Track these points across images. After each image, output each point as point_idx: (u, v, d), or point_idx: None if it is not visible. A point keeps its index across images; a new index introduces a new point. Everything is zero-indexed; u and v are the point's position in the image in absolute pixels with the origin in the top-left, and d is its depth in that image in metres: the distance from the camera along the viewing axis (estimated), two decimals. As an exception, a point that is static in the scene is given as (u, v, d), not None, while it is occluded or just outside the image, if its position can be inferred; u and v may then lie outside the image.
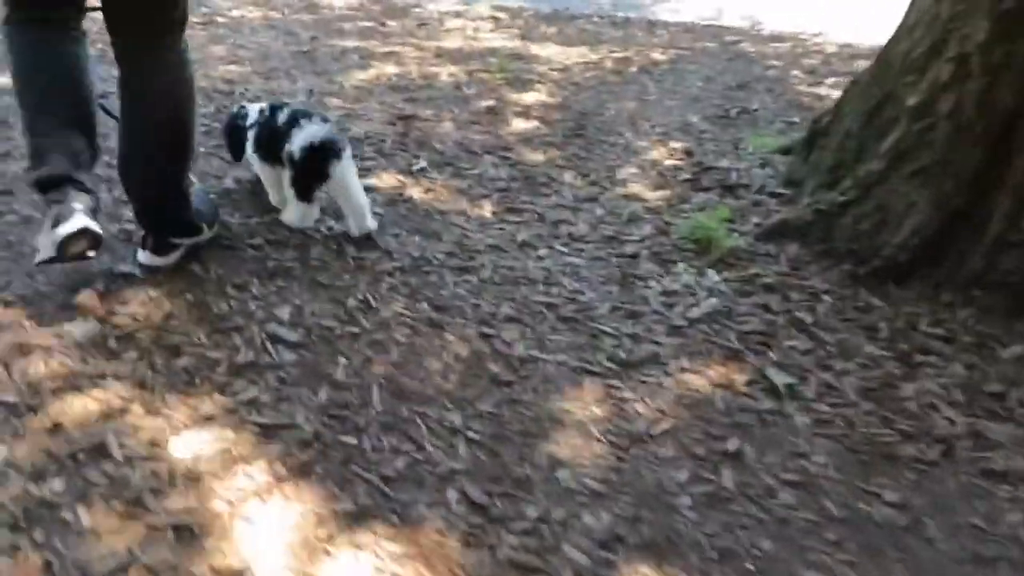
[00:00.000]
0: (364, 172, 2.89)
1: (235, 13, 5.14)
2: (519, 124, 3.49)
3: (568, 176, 3.06)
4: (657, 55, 4.75)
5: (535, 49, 4.67)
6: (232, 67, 3.94)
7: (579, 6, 5.97)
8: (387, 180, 2.85)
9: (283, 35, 4.66)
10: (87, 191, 1.89)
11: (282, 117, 2.37)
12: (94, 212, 1.90)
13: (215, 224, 2.30)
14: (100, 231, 1.89)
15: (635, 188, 3.01)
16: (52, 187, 1.87)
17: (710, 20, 5.77)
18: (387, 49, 4.48)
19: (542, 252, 2.52)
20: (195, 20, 4.80)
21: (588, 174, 3.09)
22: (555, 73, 4.24)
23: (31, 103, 1.92)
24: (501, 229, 2.62)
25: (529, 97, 3.83)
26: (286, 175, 2.39)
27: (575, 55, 4.60)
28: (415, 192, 2.79)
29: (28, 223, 2.36)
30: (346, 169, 2.38)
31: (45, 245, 1.86)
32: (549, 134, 3.42)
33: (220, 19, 4.93)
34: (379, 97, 3.67)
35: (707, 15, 5.93)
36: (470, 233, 2.58)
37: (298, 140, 2.29)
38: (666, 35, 5.38)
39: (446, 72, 4.11)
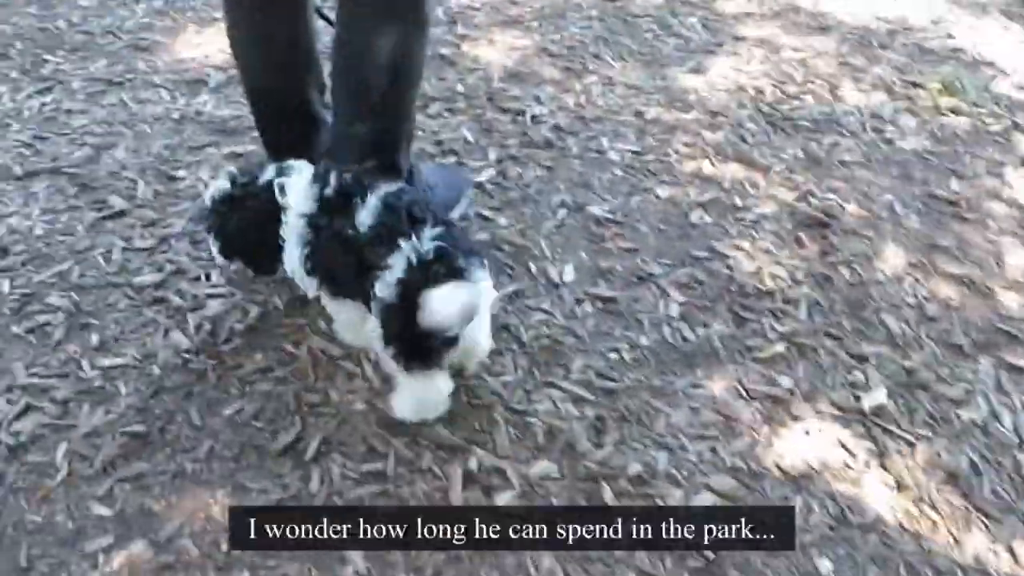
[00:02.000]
0: (776, 408, 1.51)
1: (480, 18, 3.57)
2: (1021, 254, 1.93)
3: None
4: None
5: (980, 33, 2.89)
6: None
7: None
8: (821, 454, 1.46)
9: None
10: None
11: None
12: None
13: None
14: None
15: None
16: None
17: None
18: (749, 29, 2.87)
19: None
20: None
21: None
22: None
23: None
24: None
25: (1016, 170, 2.21)
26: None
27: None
28: (886, 502, 1.39)
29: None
30: None
31: None
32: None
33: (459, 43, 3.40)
34: (753, 145, 2.18)
35: None
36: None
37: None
38: None
39: (851, 88, 2.49)
